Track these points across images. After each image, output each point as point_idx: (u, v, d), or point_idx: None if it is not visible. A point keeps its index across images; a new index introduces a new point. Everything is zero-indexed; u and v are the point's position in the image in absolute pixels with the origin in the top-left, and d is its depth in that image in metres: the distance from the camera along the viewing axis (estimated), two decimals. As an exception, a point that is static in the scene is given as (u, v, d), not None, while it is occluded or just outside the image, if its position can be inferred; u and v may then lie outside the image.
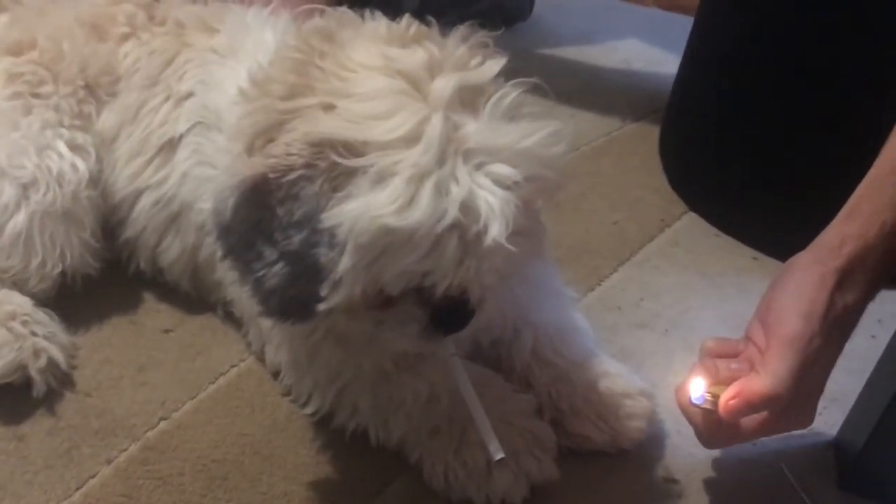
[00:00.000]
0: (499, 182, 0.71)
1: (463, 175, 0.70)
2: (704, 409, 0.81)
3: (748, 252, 1.30)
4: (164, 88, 1.03)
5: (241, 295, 0.97)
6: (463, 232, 0.71)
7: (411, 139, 0.70)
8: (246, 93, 0.82)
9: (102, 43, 1.06)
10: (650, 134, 1.54)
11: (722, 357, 0.84)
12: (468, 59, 0.76)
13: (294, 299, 0.75)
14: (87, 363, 1.01)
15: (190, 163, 1.00)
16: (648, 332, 1.13)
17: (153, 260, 1.08)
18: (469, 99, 0.74)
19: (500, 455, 0.80)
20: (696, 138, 1.40)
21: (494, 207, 0.70)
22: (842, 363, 1.09)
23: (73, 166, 1.01)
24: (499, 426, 0.88)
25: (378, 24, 0.82)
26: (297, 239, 0.73)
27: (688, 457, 0.96)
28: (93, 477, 0.89)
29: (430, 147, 0.70)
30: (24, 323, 0.97)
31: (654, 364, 1.07)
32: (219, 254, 0.78)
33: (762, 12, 1.25)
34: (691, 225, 1.35)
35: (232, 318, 1.06)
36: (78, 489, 0.87)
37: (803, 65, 1.20)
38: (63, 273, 1.02)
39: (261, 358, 1.02)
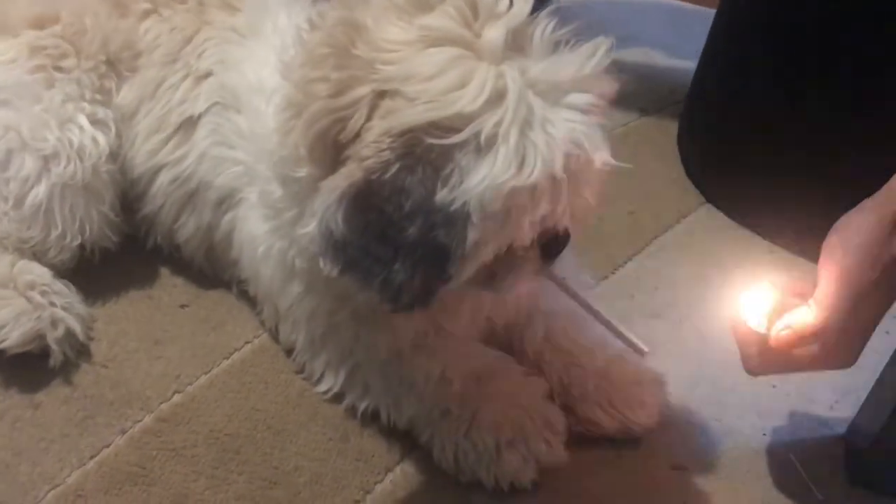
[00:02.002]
0: (581, 110, 0.73)
1: (553, 115, 0.72)
2: (758, 334, 0.80)
3: (764, 245, 1.30)
4: (184, 66, 1.04)
5: (255, 273, 0.99)
6: (570, 166, 0.72)
7: (495, 99, 0.71)
8: (292, 101, 0.80)
9: (124, 18, 1.06)
10: (668, 125, 1.53)
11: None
12: (495, 3, 0.76)
13: (421, 287, 0.76)
14: (104, 335, 1.02)
15: (208, 142, 1.01)
16: (662, 321, 1.13)
17: (170, 236, 1.09)
18: (515, 41, 0.74)
19: (646, 349, 0.84)
20: (714, 130, 1.40)
21: (591, 135, 0.73)
22: (856, 357, 1.09)
23: (94, 140, 1.02)
24: (509, 409, 0.89)
25: None
26: (412, 229, 0.73)
27: (696, 445, 0.96)
28: (107, 446, 0.90)
29: (516, 101, 0.71)
30: (43, 293, 0.98)
31: (667, 353, 1.07)
32: (334, 271, 0.77)
33: (785, 5, 1.24)
34: (707, 216, 1.35)
35: (246, 296, 1.07)
36: (92, 458, 0.89)
37: (825, 57, 1.19)
38: (82, 245, 1.03)
39: (275, 335, 1.03)
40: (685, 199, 1.37)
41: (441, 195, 0.72)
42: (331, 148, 0.76)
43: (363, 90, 0.74)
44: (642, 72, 1.74)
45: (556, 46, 0.76)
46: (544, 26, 0.75)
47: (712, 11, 1.44)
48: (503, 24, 0.73)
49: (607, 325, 0.88)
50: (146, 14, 1.07)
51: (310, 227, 0.77)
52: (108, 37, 1.04)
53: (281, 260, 0.93)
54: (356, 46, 0.75)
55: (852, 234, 0.78)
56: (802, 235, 1.28)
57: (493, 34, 0.73)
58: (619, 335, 0.88)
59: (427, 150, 0.71)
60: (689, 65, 1.51)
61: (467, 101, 0.71)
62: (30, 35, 1.04)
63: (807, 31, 1.21)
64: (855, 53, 1.16)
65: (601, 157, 0.73)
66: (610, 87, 0.76)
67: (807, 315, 0.78)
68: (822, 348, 0.79)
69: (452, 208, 0.72)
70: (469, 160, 0.71)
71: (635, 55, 1.79)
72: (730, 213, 1.35)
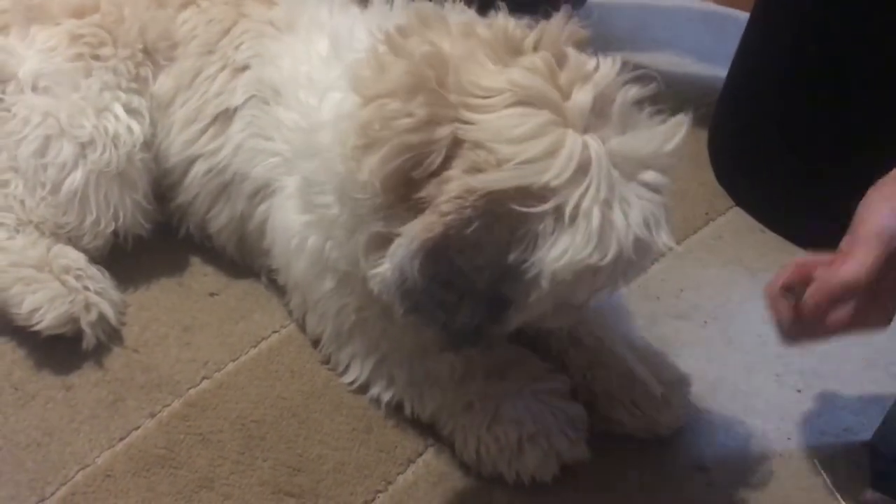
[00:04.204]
0: (654, 189, 0.74)
1: (629, 193, 0.73)
2: (792, 301, 0.79)
3: (793, 249, 1.28)
4: (221, 57, 1.05)
5: (286, 263, 1.00)
6: (638, 246, 0.73)
7: (580, 172, 0.71)
8: (367, 127, 0.77)
9: (162, 9, 1.08)
10: (698, 128, 1.52)
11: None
12: (584, 63, 0.76)
13: (477, 329, 0.77)
14: (135, 320, 1.04)
15: (244, 134, 1.02)
16: (687, 322, 1.13)
17: (202, 226, 1.10)
18: (599, 107, 0.74)
19: (660, 390, 0.86)
20: (744, 133, 1.39)
21: (659, 218, 0.73)
22: (883, 365, 1.09)
23: (129, 129, 1.04)
24: (532, 405, 0.90)
25: (466, 22, 0.80)
26: (480, 281, 0.74)
27: (720, 446, 0.96)
28: (136, 429, 0.92)
29: (599, 176, 0.71)
30: (78, 277, 1.00)
31: (691, 354, 1.07)
32: (399, 311, 0.78)
33: (820, 8, 1.23)
34: (736, 219, 1.34)
35: (275, 286, 1.08)
36: (121, 439, 0.90)
37: (860, 61, 1.18)
38: (115, 232, 1.05)
39: (302, 326, 1.04)
40: (714, 202, 1.36)
41: (514, 255, 0.73)
42: (402, 183, 0.76)
43: (443, 131, 0.73)
44: (673, 75, 1.73)
45: (634, 113, 0.76)
46: (625, 92, 0.75)
47: (745, 15, 1.43)
48: (591, 88, 0.73)
49: (627, 359, 0.90)
50: (184, 5, 1.08)
51: (381, 268, 0.77)
52: (145, 25, 1.06)
53: (315, 254, 0.93)
54: (443, 85, 0.74)
55: (882, 200, 0.77)
56: (832, 241, 1.27)
57: (582, 99, 0.73)
58: (636, 370, 0.90)
59: (507, 213, 0.72)
60: (720, 68, 1.50)
61: (555, 173, 0.71)
62: (70, 23, 1.05)
63: (842, 34, 1.20)
64: (890, 59, 1.15)
65: (664, 240, 0.74)
66: (678, 162, 0.77)
67: (837, 271, 0.76)
68: (854, 308, 0.77)
69: (525, 275, 0.73)
70: (547, 229, 0.72)
71: (666, 58, 1.78)
72: (758, 216, 1.34)
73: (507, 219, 0.72)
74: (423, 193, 0.74)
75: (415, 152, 0.74)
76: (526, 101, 0.73)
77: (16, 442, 0.89)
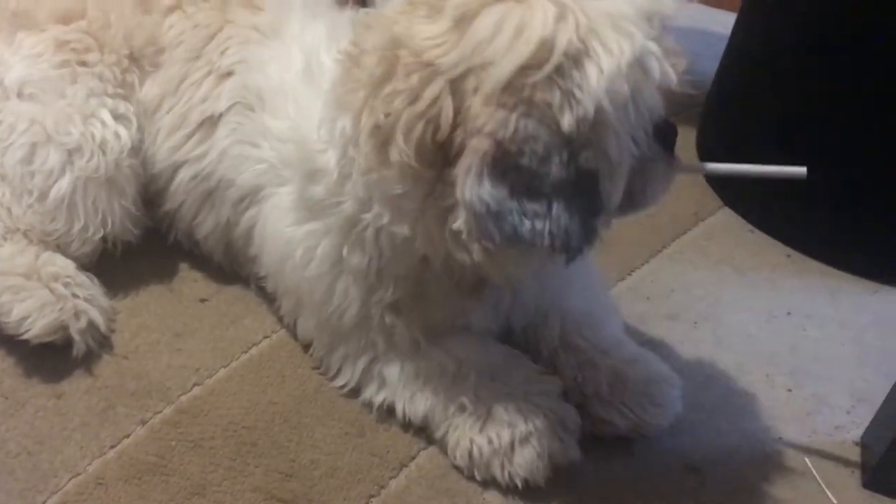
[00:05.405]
0: None
1: None
2: None
3: (782, 249, 1.29)
4: (206, 63, 1.05)
5: (278, 271, 0.99)
6: (651, 20, 0.75)
7: (561, 14, 0.72)
8: (377, 126, 0.77)
9: (148, 14, 1.07)
10: (687, 128, 1.53)
11: None
12: None
13: (582, 226, 0.76)
14: (125, 327, 1.03)
15: (229, 141, 1.02)
16: (677, 323, 1.13)
17: (189, 233, 1.10)
18: None
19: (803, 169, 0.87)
20: (733, 133, 1.39)
21: None
22: (874, 363, 1.10)
23: (116, 135, 1.04)
24: (524, 406, 0.90)
25: (399, 3, 0.81)
26: (554, 168, 0.74)
27: (710, 446, 0.96)
28: (127, 436, 0.91)
29: (579, 4, 0.73)
30: (67, 285, 0.99)
31: (682, 354, 1.07)
32: (494, 244, 0.76)
33: (804, 10, 1.24)
34: (725, 220, 1.35)
35: (264, 292, 1.07)
36: (112, 447, 0.90)
37: (846, 61, 1.18)
38: (104, 239, 1.05)
39: (293, 331, 1.03)
40: (703, 202, 1.37)
41: (566, 122, 0.72)
42: (434, 151, 0.76)
43: (436, 86, 0.74)
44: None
45: None
46: None
47: (733, 14, 1.44)
48: None
49: (759, 174, 0.90)
50: (170, 10, 1.08)
51: (461, 219, 0.76)
52: (131, 31, 1.06)
53: (329, 258, 0.92)
54: (403, 56, 0.75)
55: None
56: (821, 240, 1.28)
57: None
58: (775, 175, 0.90)
59: (532, 90, 0.72)
60: (708, 67, 1.51)
61: (539, 28, 0.71)
62: (56, 30, 1.05)
63: (829, 34, 1.20)
64: (880, 57, 1.15)
65: (668, 2, 0.76)
66: None
67: None
68: None
69: (590, 128, 0.73)
70: (573, 76, 0.72)
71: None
72: (748, 216, 1.35)
73: (534, 95, 0.72)
74: (458, 145, 0.74)
75: (426, 117, 0.75)
76: (474, 10, 0.74)
77: (6, 451, 0.88)
